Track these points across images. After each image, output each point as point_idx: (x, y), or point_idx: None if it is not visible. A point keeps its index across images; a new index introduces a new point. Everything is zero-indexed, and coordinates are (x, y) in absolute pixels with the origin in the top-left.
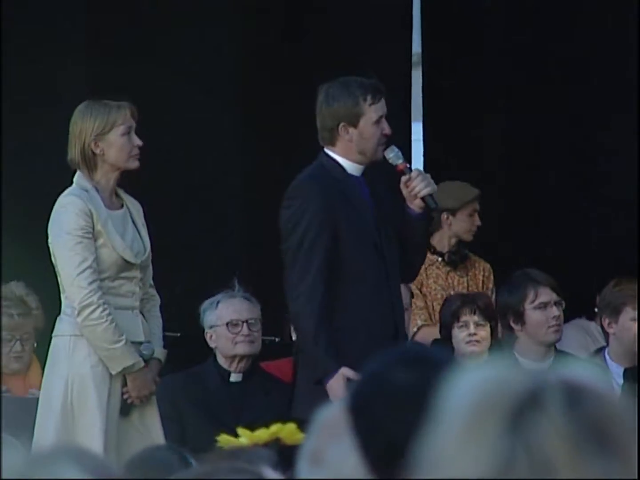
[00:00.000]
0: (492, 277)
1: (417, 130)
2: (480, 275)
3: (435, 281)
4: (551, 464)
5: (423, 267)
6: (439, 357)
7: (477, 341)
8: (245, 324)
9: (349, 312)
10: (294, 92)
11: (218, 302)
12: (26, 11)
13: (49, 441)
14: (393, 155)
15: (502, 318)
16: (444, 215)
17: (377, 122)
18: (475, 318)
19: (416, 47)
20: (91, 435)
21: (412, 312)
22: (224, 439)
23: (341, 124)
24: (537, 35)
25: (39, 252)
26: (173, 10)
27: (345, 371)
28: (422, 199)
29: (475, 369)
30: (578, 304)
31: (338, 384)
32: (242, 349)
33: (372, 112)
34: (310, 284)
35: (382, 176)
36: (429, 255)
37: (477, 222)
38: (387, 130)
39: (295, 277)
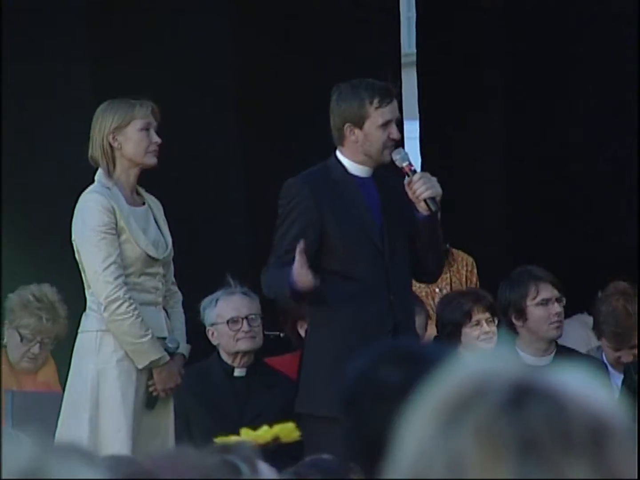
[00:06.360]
0: (475, 271)
1: (413, 129)
2: (463, 270)
3: None
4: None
5: None
6: (430, 354)
7: (491, 338)
8: (245, 320)
9: (341, 311)
10: (294, 93)
11: (217, 300)
12: (27, 12)
13: (76, 436)
14: (399, 157)
15: (504, 314)
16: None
17: (383, 125)
18: (487, 315)
19: (410, 46)
20: (117, 429)
21: None
22: (221, 440)
23: (347, 125)
24: (534, 33)
25: (61, 252)
26: (173, 10)
27: (298, 259)
28: (425, 201)
29: (457, 367)
30: (579, 299)
31: (299, 272)
32: (244, 345)
33: (379, 115)
34: (272, 263)
35: (396, 179)
36: None
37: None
38: (394, 134)
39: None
